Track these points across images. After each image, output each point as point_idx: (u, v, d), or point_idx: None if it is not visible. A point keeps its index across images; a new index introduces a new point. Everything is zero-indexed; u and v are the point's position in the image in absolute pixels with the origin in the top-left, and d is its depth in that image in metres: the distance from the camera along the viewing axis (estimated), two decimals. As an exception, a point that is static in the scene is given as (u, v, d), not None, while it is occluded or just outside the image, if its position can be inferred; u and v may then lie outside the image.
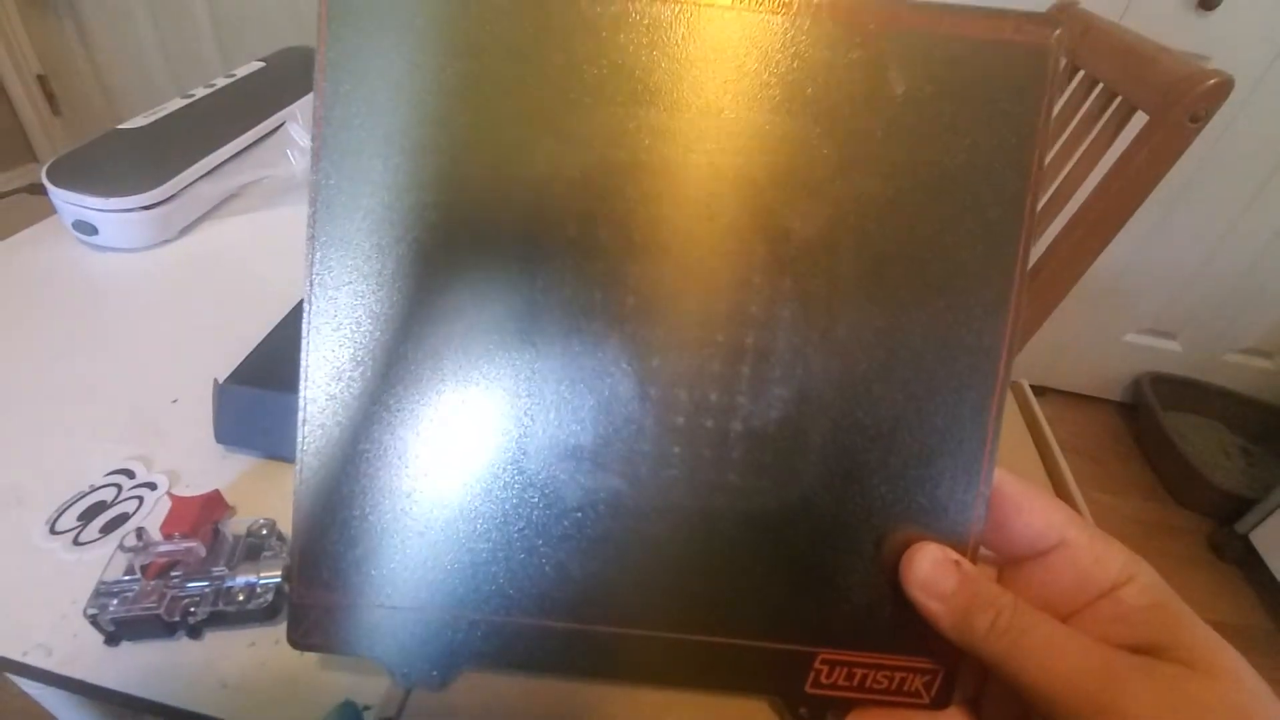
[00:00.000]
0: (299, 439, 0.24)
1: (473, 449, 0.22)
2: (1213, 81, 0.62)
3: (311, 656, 0.28)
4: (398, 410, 0.23)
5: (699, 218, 0.21)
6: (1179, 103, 0.62)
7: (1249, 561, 1.27)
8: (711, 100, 0.21)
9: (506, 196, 0.21)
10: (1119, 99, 0.70)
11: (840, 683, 0.24)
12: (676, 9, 0.20)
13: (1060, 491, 0.37)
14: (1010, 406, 0.42)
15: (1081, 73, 0.76)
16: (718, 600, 0.24)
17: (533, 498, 0.23)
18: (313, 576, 0.24)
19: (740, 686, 0.24)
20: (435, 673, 0.23)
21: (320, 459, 0.23)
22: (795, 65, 0.21)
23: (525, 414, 0.22)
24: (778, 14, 0.21)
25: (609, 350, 0.22)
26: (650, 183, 0.21)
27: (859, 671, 0.24)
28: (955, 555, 0.22)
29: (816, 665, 0.24)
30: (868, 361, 0.22)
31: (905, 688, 0.24)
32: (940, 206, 0.21)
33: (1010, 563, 0.24)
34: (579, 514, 0.23)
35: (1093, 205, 0.67)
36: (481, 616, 0.23)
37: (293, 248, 0.52)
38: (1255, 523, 1.26)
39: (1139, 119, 0.68)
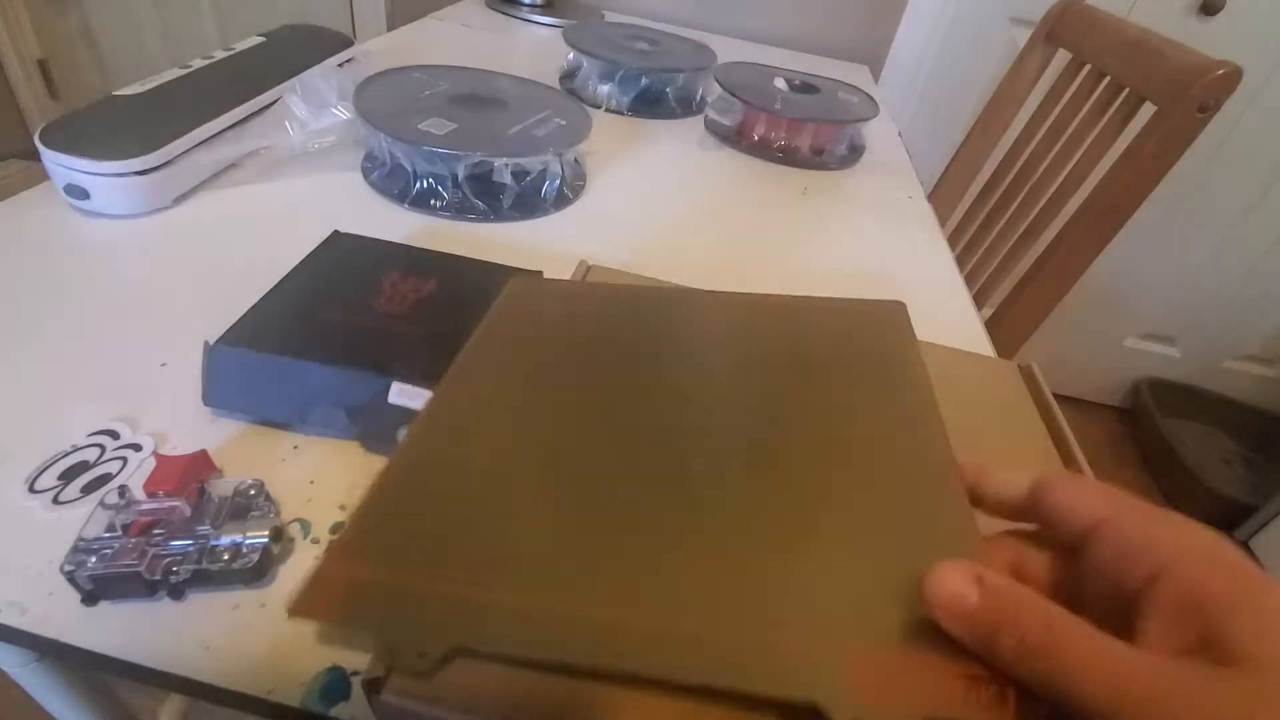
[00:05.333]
0: (414, 420, 0.28)
1: (542, 466, 0.28)
2: (1221, 71, 0.61)
3: (297, 622, 0.26)
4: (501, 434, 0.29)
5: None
6: (1187, 92, 0.61)
7: (1248, 568, 1.27)
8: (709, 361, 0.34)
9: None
10: (1126, 91, 0.69)
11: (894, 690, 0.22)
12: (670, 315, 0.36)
13: (1065, 455, 0.36)
14: (1020, 389, 0.42)
15: (1088, 66, 0.76)
16: (751, 595, 0.24)
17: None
18: (358, 550, 0.24)
19: (779, 690, 0.23)
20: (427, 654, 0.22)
21: (427, 448, 0.28)
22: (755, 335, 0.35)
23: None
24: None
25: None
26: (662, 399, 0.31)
27: (912, 675, 0.22)
28: (978, 569, 0.21)
29: (860, 668, 0.22)
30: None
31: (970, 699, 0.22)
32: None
33: (1066, 551, 0.22)
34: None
35: (1099, 196, 0.66)
36: (511, 599, 0.23)
37: (289, 220, 0.51)
38: (1255, 529, 1.25)
39: (1146, 110, 0.67)
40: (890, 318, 0.35)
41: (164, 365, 0.37)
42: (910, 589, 0.23)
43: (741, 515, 0.26)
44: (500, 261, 0.43)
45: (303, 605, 0.23)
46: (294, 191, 0.54)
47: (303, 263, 0.40)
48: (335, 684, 0.25)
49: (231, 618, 0.26)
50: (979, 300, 0.71)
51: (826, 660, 0.23)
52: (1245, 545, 1.26)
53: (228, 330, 0.34)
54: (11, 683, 0.40)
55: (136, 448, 0.32)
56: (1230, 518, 1.31)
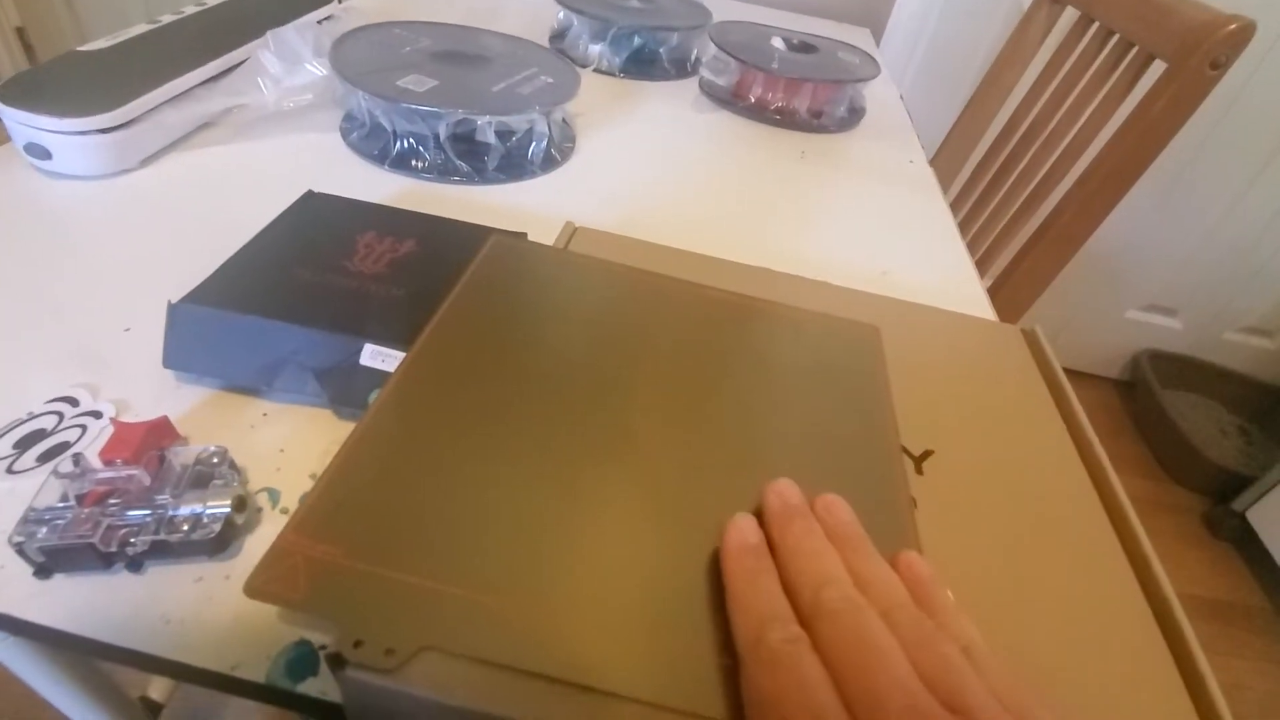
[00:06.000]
0: (382, 388, 0.27)
1: (510, 457, 0.27)
2: (1233, 26, 0.59)
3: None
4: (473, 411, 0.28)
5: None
6: (1199, 48, 0.59)
7: (1244, 539, 1.27)
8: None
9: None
10: (1135, 48, 0.67)
11: None
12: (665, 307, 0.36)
13: (1076, 435, 0.35)
14: (1023, 353, 0.40)
15: (1096, 24, 0.73)
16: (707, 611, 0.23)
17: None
18: (317, 525, 0.23)
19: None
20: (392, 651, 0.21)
21: (394, 419, 0.27)
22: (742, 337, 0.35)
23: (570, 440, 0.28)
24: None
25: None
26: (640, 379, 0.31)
27: None
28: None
29: None
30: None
31: None
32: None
33: None
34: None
35: (1106, 159, 0.64)
36: (466, 593, 0.22)
37: (263, 183, 0.49)
38: (1252, 500, 1.25)
39: (1155, 70, 0.65)
40: (864, 338, 0.36)
41: (128, 330, 0.35)
42: None
43: (709, 516, 0.25)
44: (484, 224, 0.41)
45: (260, 584, 0.21)
46: (269, 153, 0.52)
47: (273, 222, 0.38)
48: (303, 659, 0.24)
49: (194, 591, 0.25)
50: (981, 268, 0.69)
51: None
52: (1242, 516, 1.26)
53: (193, 290, 0.32)
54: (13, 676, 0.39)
55: (96, 415, 0.31)
56: (1227, 489, 1.30)
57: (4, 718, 0.82)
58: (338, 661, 0.20)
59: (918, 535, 0.27)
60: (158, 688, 0.72)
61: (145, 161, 0.49)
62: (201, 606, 0.25)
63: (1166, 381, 1.50)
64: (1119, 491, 0.32)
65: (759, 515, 0.25)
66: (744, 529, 0.24)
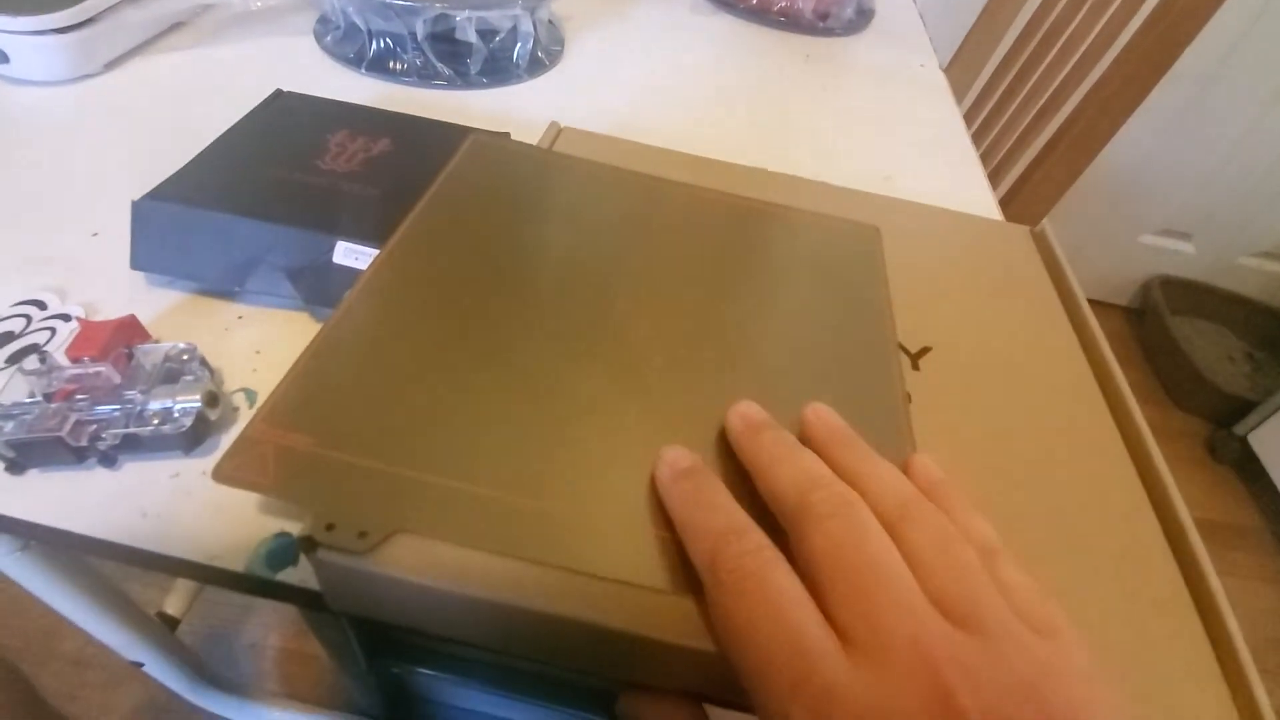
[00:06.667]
0: (358, 283, 0.26)
1: (483, 342, 0.26)
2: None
3: (244, 491, 0.25)
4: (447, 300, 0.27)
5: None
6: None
7: (1245, 463, 1.27)
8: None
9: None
10: (1169, -65, 0.62)
11: None
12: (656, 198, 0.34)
13: (1084, 338, 0.33)
14: (1030, 253, 0.38)
15: (1128, -90, 0.67)
16: None
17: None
18: (286, 414, 0.22)
19: None
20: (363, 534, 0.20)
21: (368, 311, 0.26)
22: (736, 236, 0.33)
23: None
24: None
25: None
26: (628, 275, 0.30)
27: None
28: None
29: None
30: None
31: None
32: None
33: None
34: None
35: (1129, 56, 0.60)
36: (438, 480, 0.22)
37: (234, 88, 0.46)
38: (1254, 425, 1.25)
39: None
40: (863, 238, 0.34)
41: (95, 235, 0.34)
42: None
43: (697, 418, 0.25)
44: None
45: (229, 470, 0.21)
46: (239, 57, 0.49)
47: (241, 121, 0.36)
48: (282, 550, 0.24)
49: (171, 485, 0.25)
50: (994, 180, 0.66)
51: None
52: (1244, 441, 1.26)
53: (157, 186, 0.31)
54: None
55: (65, 318, 0.30)
56: (1232, 414, 1.30)
57: (18, 648, 0.85)
58: (310, 545, 0.20)
59: (912, 430, 0.26)
60: (174, 602, 0.74)
61: (109, 65, 0.46)
62: (179, 501, 0.24)
63: (1176, 308, 1.47)
64: (1125, 394, 0.31)
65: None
66: (672, 458, 0.21)
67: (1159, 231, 1.48)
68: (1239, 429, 1.27)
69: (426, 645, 0.59)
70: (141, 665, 0.63)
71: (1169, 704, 0.22)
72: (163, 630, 0.64)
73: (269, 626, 0.91)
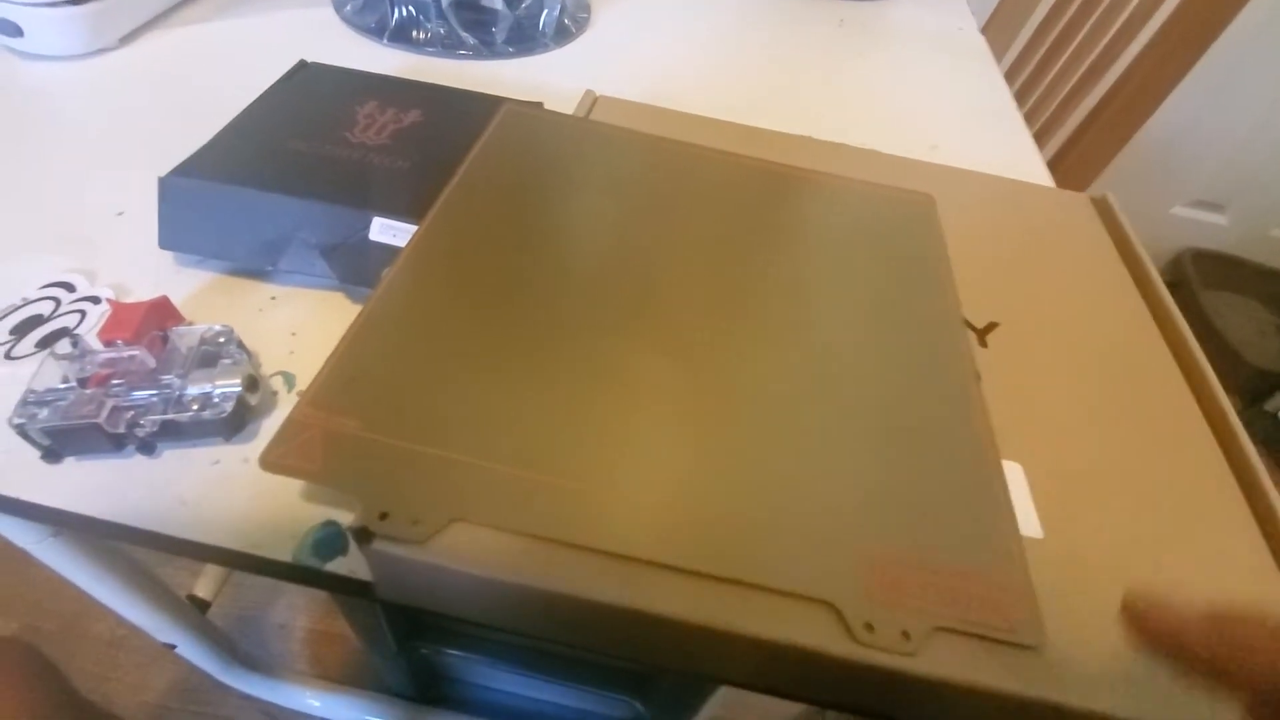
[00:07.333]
0: (395, 261, 0.25)
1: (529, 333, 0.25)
2: None
3: (287, 478, 0.24)
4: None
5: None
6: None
7: (1276, 439, 1.25)
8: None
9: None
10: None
11: (908, 596, 0.20)
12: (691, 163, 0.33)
13: (1155, 308, 0.32)
14: (1093, 222, 0.36)
15: None
16: (761, 482, 0.22)
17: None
18: (333, 397, 0.21)
19: (783, 582, 0.20)
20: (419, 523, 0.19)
21: (410, 291, 0.25)
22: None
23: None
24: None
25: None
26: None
27: (926, 582, 0.20)
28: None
29: (874, 569, 0.20)
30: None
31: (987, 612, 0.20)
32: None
33: None
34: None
35: (1176, 23, 0.57)
36: (490, 465, 0.21)
37: (251, 61, 0.45)
38: (1289, 400, 1.21)
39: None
40: (918, 207, 0.32)
41: (121, 214, 0.33)
42: (923, 500, 0.22)
43: (753, 397, 0.24)
44: (493, 92, 0.37)
45: (276, 457, 0.20)
46: (256, 28, 0.48)
47: (265, 94, 0.34)
48: (331, 539, 0.23)
49: (212, 473, 0.24)
50: (1038, 143, 0.63)
51: (838, 557, 0.20)
52: (1275, 417, 1.23)
53: (183, 162, 0.29)
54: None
55: (95, 300, 0.29)
56: (1262, 389, 1.27)
57: (51, 630, 0.86)
58: (364, 535, 0.19)
59: (985, 409, 0.24)
60: (205, 585, 0.75)
61: (125, 39, 0.45)
62: (219, 488, 0.23)
63: (1208, 281, 1.43)
64: (1205, 368, 0.29)
65: None
66: None
67: (1192, 203, 1.44)
68: (1269, 405, 1.24)
69: (456, 628, 0.58)
70: (174, 647, 0.63)
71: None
72: (194, 613, 0.64)
73: (297, 608, 0.92)
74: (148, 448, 0.24)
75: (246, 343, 0.27)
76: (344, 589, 0.22)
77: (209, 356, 0.25)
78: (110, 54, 0.44)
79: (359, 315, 0.23)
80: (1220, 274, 1.46)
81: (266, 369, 0.27)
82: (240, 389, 0.23)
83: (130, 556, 0.49)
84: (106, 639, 0.86)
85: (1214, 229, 1.46)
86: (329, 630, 0.90)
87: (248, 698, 0.76)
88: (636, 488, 0.21)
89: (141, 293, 0.29)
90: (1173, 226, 1.46)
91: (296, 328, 0.29)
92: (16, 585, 0.89)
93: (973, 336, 0.29)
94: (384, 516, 0.19)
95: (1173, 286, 1.56)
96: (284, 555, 0.22)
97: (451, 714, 0.72)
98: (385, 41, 0.47)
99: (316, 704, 0.76)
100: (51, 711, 0.34)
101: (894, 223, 0.32)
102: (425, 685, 0.72)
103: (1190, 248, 1.48)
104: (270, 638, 0.89)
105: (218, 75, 0.43)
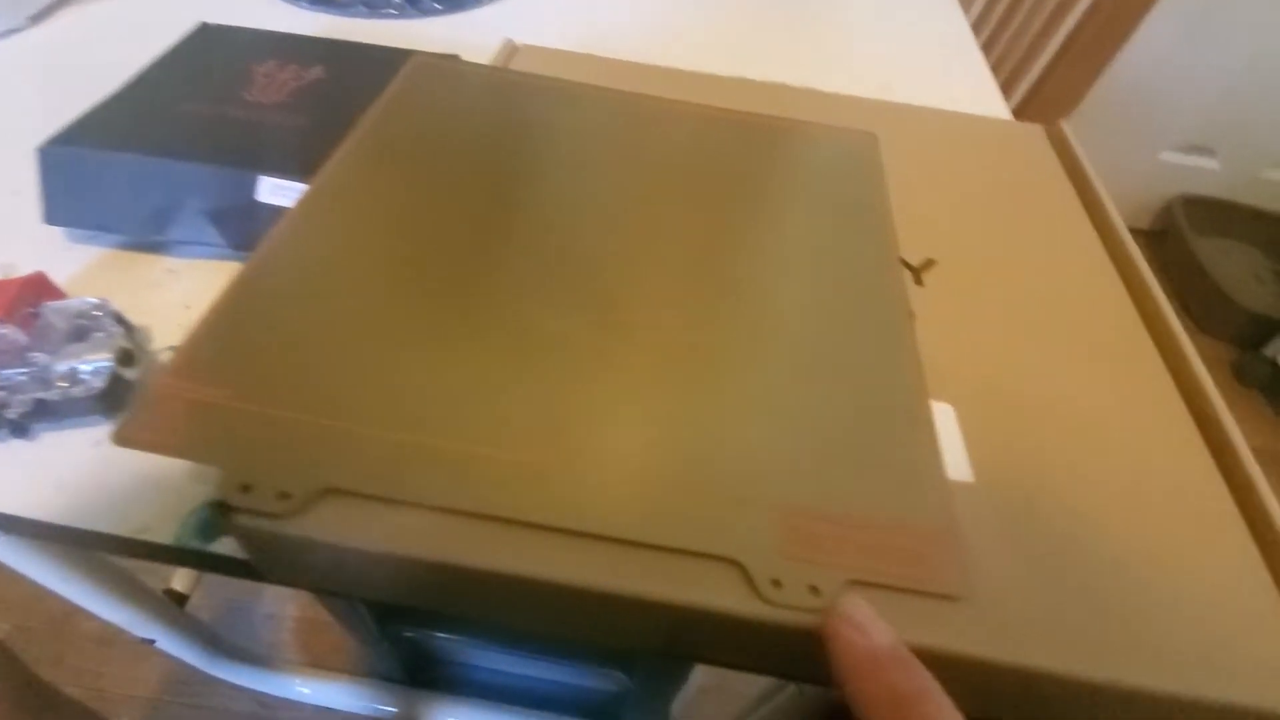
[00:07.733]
0: (281, 220, 0.23)
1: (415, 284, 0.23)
2: None
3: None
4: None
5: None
6: None
7: (1273, 385, 1.23)
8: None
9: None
10: None
11: (823, 550, 0.18)
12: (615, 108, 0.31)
13: (1109, 241, 0.30)
14: (1046, 153, 0.34)
15: None
16: (668, 438, 0.20)
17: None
18: (198, 366, 0.20)
19: (686, 541, 0.18)
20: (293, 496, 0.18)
21: (291, 251, 0.23)
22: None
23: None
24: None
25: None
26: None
27: (843, 535, 0.19)
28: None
29: (788, 523, 0.19)
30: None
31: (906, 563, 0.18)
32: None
33: None
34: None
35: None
36: (370, 430, 0.19)
37: (165, 35, 0.42)
38: (1284, 344, 1.19)
39: None
40: (858, 146, 0.31)
41: (16, 194, 0.31)
42: (845, 448, 0.20)
43: (664, 348, 0.22)
44: (409, 47, 0.35)
45: (130, 432, 0.18)
46: (170, 7, 0.45)
47: (161, 57, 0.33)
48: (216, 518, 0.21)
49: (92, 455, 0.22)
50: (1007, 92, 0.61)
51: (750, 513, 0.19)
52: (1272, 362, 1.21)
53: (62, 130, 0.28)
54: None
55: (-23, 281, 0.27)
56: (1258, 335, 1.25)
57: (36, 628, 0.86)
58: (222, 509, 0.18)
59: (915, 350, 0.23)
60: (181, 580, 0.74)
61: (36, 18, 0.43)
62: (101, 471, 0.22)
63: (1200, 228, 1.40)
64: (1161, 303, 0.27)
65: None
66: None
67: (1180, 148, 1.40)
68: (1268, 350, 1.22)
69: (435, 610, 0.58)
70: (153, 642, 0.62)
71: (1213, 611, 0.20)
72: (171, 606, 0.64)
73: (285, 597, 0.91)
74: (21, 430, 0.22)
75: (140, 317, 0.26)
76: (229, 570, 0.21)
77: (83, 331, 0.23)
78: (20, 34, 0.42)
79: (233, 279, 0.22)
80: (1213, 219, 1.43)
81: (160, 343, 0.26)
82: (112, 364, 0.22)
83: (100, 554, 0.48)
84: (97, 636, 0.86)
85: (1205, 174, 1.43)
86: (317, 618, 0.90)
87: (240, 688, 0.76)
88: (526, 446, 0.19)
89: (28, 269, 0.28)
90: (1161, 173, 1.43)
91: (193, 300, 0.27)
92: (5, 586, 0.88)
93: (909, 275, 0.27)
94: (246, 489, 0.18)
95: (1163, 235, 1.54)
96: (167, 538, 0.21)
97: (442, 696, 0.72)
98: (307, 5, 0.45)
99: (306, 691, 0.76)
100: (13, 702, 0.34)
101: (832, 163, 0.30)
102: (415, 668, 0.71)
103: (1181, 194, 1.45)
104: (260, 627, 0.89)
105: (133, 52, 0.41)
